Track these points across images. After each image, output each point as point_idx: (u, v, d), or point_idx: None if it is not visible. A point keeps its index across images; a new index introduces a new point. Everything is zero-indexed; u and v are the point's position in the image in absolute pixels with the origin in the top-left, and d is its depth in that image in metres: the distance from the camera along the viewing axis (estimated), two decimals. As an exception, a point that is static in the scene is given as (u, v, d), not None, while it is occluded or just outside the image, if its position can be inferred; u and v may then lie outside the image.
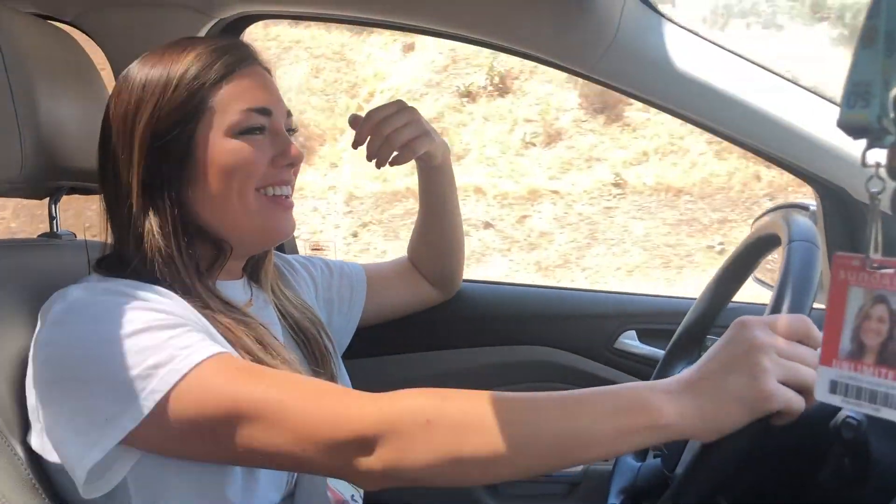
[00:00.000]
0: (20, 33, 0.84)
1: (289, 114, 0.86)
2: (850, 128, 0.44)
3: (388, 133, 0.97)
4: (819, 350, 0.54)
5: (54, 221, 0.98)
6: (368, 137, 0.98)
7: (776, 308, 0.65)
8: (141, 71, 0.79)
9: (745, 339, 0.60)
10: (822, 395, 0.53)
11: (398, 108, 0.99)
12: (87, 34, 1.20)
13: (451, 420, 0.61)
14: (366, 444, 0.62)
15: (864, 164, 0.47)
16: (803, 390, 0.58)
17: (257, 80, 0.82)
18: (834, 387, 0.53)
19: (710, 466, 0.63)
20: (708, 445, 0.62)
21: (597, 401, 0.61)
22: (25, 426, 0.72)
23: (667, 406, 0.59)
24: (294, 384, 0.67)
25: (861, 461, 0.70)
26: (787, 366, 0.59)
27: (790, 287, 0.66)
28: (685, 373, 0.62)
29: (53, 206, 0.97)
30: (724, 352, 0.61)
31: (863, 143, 0.46)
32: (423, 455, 0.61)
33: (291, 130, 0.86)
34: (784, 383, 0.58)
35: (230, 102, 0.79)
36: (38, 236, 0.97)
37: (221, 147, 0.78)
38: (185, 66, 0.78)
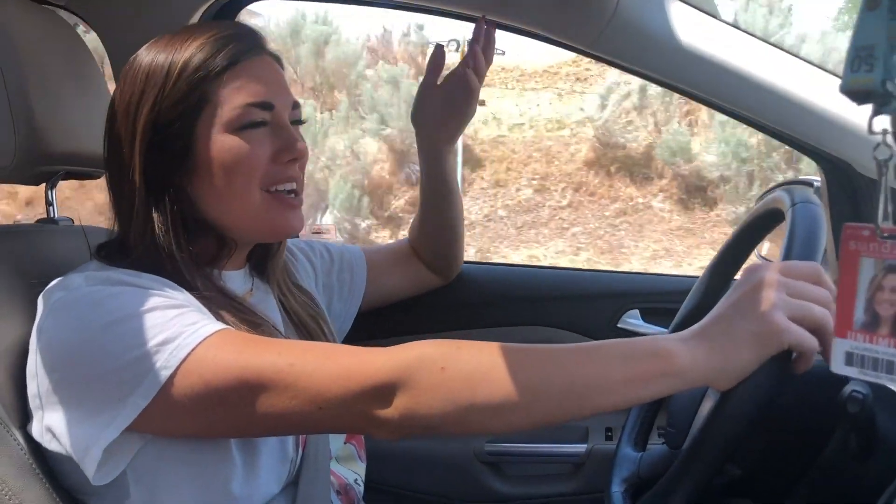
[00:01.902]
0: (12, 17, 0.83)
1: (295, 105, 0.82)
2: (855, 93, 0.44)
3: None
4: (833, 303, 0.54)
5: (51, 207, 0.97)
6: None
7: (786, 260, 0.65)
8: (146, 57, 0.77)
9: (754, 279, 0.60)
10: (838, 367, 0.53)
11: None
12: (80, 17, 1.18)
13: (465, 367, 0.61)
14: (382, 393, 0.62)
15: (870, 131, 0.46)
16: (817, 331, 0.58)
17: (260, 72, 0.78)
18: (850, 358, 0.52)
19: (727, 418, 0.60)
20: (726, 394, 0.60)
21: (609, 349, 0.62)
22: (25, 413, 0.71)
23: (679, 352, 0.59)
24: (303, 348, 0.67)
25: (867, 436, 0.70)
26: (798, 304, 0.58)
27: (798, 242, 0.66)
28: (699, 322, 0.62)
29: (50, 192, 0.96)
30: (734, 294, 0.61)
31: (868, 112, 0.45)
32: (439, 402, 0.61)
33: (298, 122, 0.83)
34: (796, 321, 0.58)
35: (230, 96, 0.76)
36: (36, 222, 0.96)
37: (221, 143, 0.76)
38: (188, 55, 0.75)
